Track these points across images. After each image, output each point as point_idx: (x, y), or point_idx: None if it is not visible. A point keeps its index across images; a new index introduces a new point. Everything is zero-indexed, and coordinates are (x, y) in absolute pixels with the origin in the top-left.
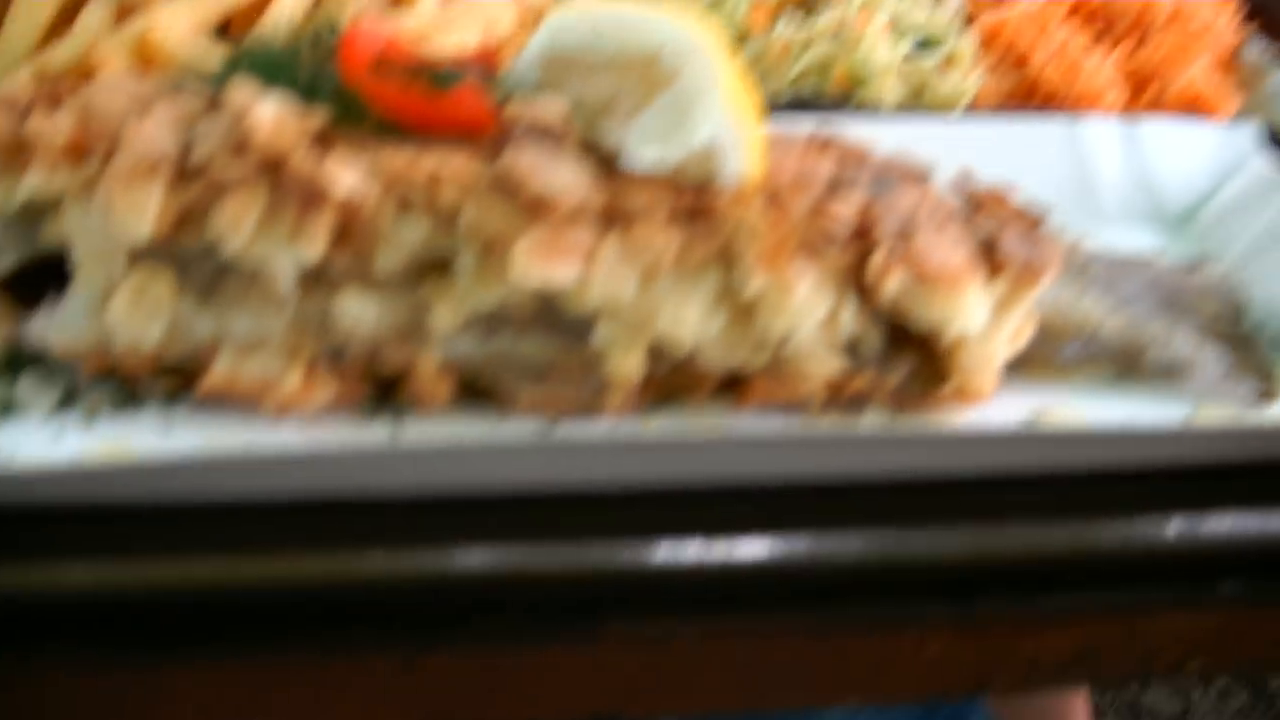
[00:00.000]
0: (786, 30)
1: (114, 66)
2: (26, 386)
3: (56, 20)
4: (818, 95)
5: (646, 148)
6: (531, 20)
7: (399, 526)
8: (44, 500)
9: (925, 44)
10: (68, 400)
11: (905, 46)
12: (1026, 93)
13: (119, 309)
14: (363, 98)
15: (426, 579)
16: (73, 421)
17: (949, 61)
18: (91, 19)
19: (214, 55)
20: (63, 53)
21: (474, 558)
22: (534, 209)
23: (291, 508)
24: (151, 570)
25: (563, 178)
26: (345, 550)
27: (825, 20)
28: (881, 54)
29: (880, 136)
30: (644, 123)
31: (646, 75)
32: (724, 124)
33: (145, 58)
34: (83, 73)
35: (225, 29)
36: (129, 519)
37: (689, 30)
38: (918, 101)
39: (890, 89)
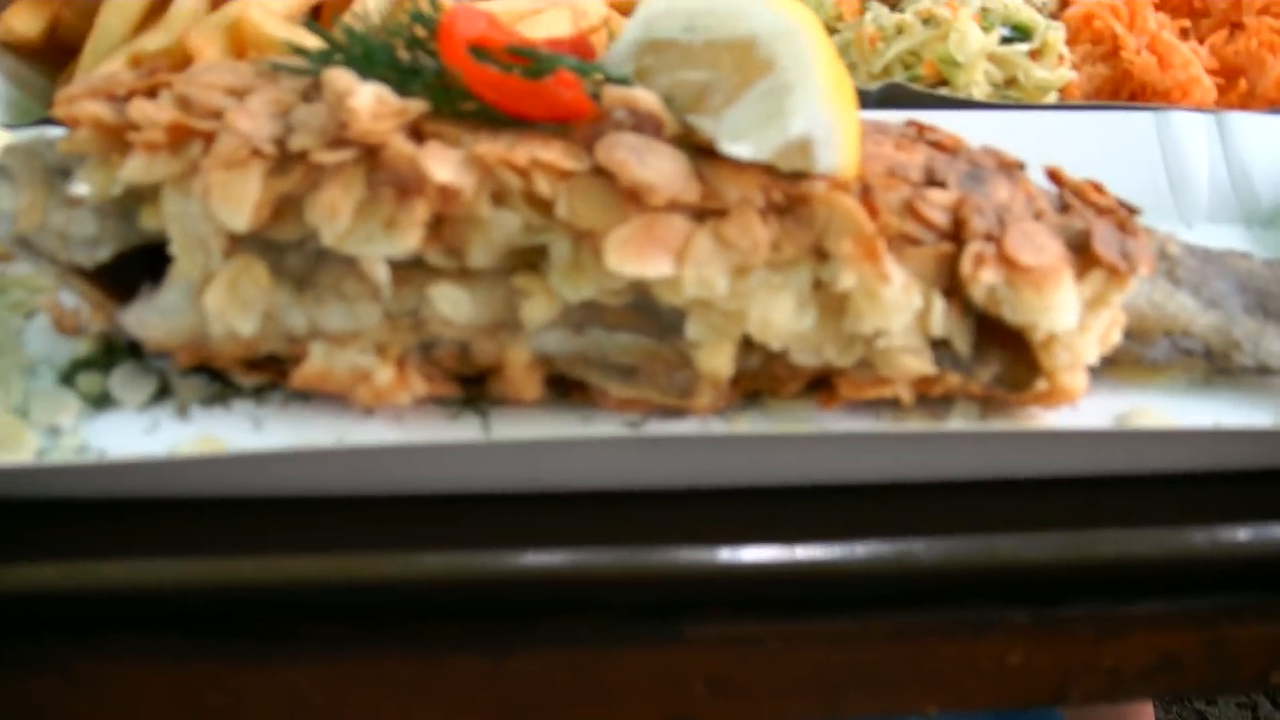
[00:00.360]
0: (876, 18)
1: (208, 52)
2: (120, 379)
3: (150, 7)
4: (908, 84)
5: (741, 140)
6: (622, 8)
7: (487, 524)
8: (138, 492)
9: (1015, 33)
10: (161, 394)
11: (995, 36)
12: (1116, 84)
13: (215, 299)
14: (463, 80)
15: (514, 577)
16: (166, 414)
17: (1039, 51)
18: (185, 6)
19: (306, 40)
20: (157, 39)
21: (560, 557)
22: (630, 199)
23: (381, 502)
24: (243, 565)
25: (659, 168)
26: (433, 547)
27: (915, 8)
28: (973, 43)
29: (969, 126)
30: (739, 113)
31: (741, 64)
32: (820, 116)
33: (238, 43)
34: (177, 59)
35: (316, 14)
36: (221, 511)
37: (786, 17)
38: (1007, 91)
39: (980, 79)
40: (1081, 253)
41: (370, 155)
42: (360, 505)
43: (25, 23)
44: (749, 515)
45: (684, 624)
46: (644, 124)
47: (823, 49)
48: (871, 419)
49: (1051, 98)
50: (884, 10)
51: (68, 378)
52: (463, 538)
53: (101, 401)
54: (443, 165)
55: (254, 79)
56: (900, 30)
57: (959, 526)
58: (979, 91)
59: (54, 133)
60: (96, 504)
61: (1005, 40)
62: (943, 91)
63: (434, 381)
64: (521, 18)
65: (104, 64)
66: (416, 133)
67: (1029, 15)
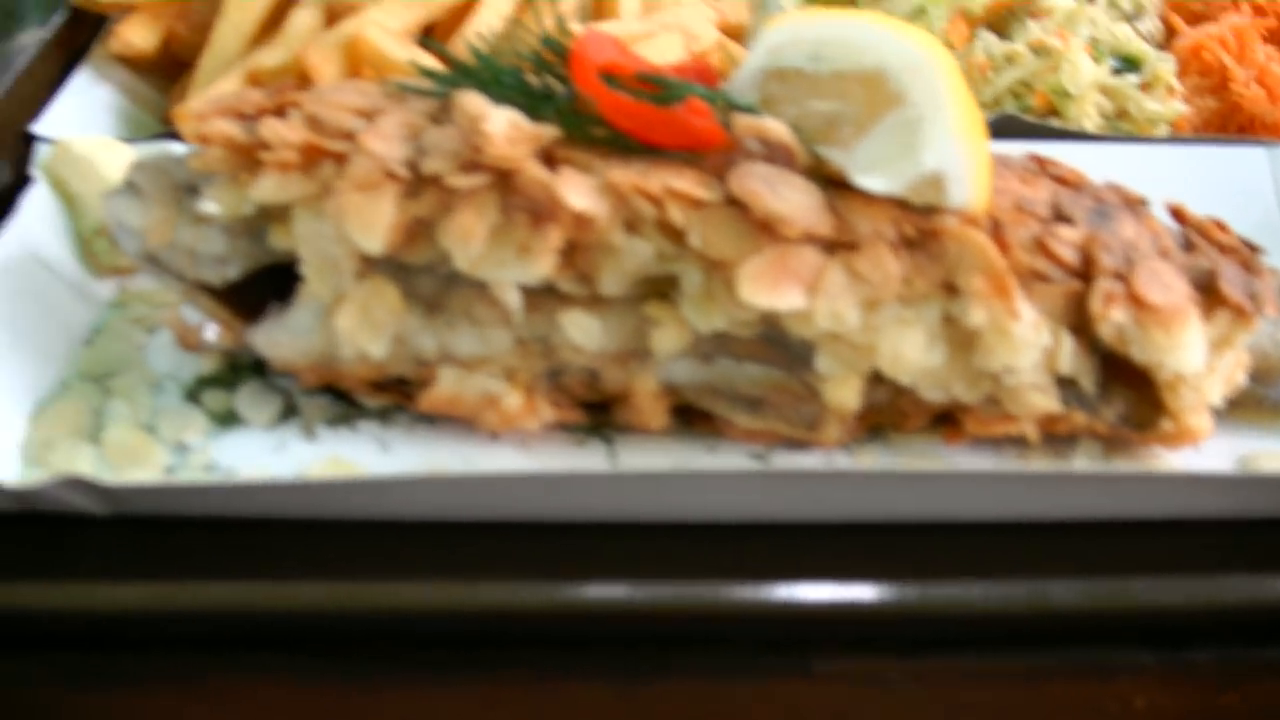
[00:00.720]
0: (986, 47)
1: (325, 70)
2: (246, 397)
3: (265, 22)
4: (1020, 115)
5: (873, 175)
6: (731, 33)
7: (612, 553)
8: (265, 512)
9: (1125, 65)
10: (286, 413)
11: (1107, 67)
12: (1225, 116)
13: (346, 321)
14: (596, 107)
15: (643, 609)
16: (293, 434)
17: (1149, 83)
18: (301, 23)
19: (427, 60)
20: (274, 55)
21: (689, 590)
22: (763, 230)
23: (506, 528)
24: (368, 591)
25: (793, 200)
26: (561, 576)
27: (1026, 38)
28: (1085, 75)
29: (1081, 158)
30: (870, 146)
31: (871, 95)
32: (953, 150)
33: (355, 61)
34: (293, 75)
35: (428, 32)
36: (345, 534)
37: (916, 49)
38: (1118, 123)
39: (1091, 110)
40: (1207, 292)
41: (503, 180)
42: (486, 530)
43: (140, 36)
44: (875, 550)
45: (811, 659)
46: (775, 154)
47: (954, 82)
48: (994, 455)
49: (1162, 130)
50: (993, 39)
51: (193, 395)
52: (590, 568)
53: (228, 420)
54: (578, 192)
55: (382, 100)
56: (1010, 59)
57: (1088, 567)
58: (1090, 123)
59: (177, 148)
60: (222, 522)
61: (1115, 72)
62: (1054, 123)
63: (561, 407)
64: (634, 41)
65: (220, 79)
66: (548, 158)
67: (1139, 47)
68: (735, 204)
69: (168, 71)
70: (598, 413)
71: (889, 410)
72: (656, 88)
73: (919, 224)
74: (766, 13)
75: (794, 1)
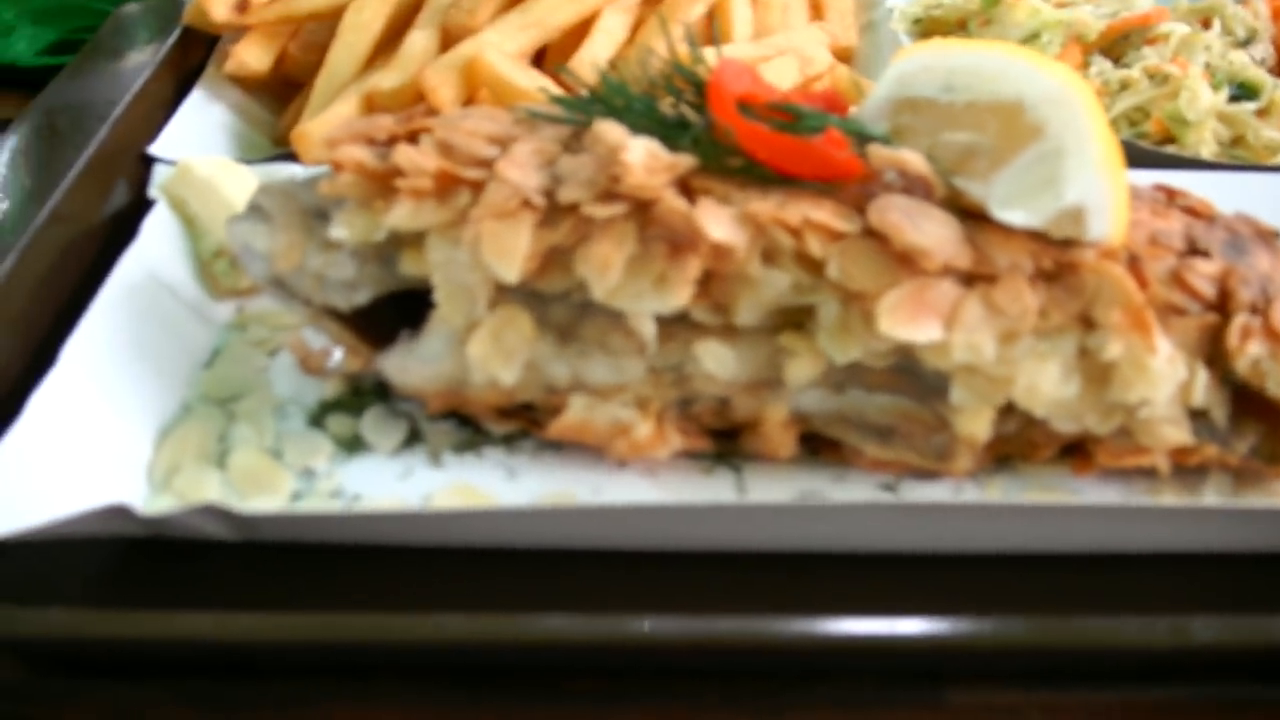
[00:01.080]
0: (1101, 73)
1: (442, 93)
2: (371, 423)
3: (379, 44)
4: (1138, 142)
5: (1013, 208)
6: (841, 55)
7: (747, 583)
8: (394, 539)
9: (1241, 91)
10: (412, 439)
11: (1224, 94)
12: None
13: (479, 348)
14: (733, 137)
15: (777, 641)
16: (419, 461)
17: (1266, 110)
18: (417, 45)
19: (540, 83)
20: (390, 78)
21: (821, 624)
22: (903, 263)
23: (637, 558)
24: (504, 622)
25: (932, 232)
26: (692, 607)
27: (1142, 64)
28: (1203, 102)
29: (1198, 186)
30: (1008, 179)
31: (1007, 127)
32: (1095, 184)
33: (472, 84)
34: (410, 97)
35: (540, 56)
36: (474, 562)
37: (1055, 81)
38: (1235, 151)
39: (1208, 138)
40: None
41: (641, 210)
42: (615, 560)
43: (255, 56)
44: (1009, 581)
45: (948, 690)
46: (913, 186)
47: (1095, 115)
48: (1123, 487)
49: None
50: (1108, 65)
51: (317, 419)
52: (721, 599)
53: (353, 445)
54: (717, 223)
55: (513, 126)
56: (1125, 86)
57: (1229, 602)
58: (1207, 150)
59: (295, 169)
60: (350, 548)
61: (1232, 98)
62: (1171, 150)
63: (689, 435)
64: (751, 65)
65: (335, 101)
66: (685, 188)
67: (1256, 73)
68: (874, 236)
69: (280, 91)
70: (724, 440)
71: (1019, 441)
72: (793, 117)
73: (1057, 257)
74: (877, 36)
75: (905, 26)
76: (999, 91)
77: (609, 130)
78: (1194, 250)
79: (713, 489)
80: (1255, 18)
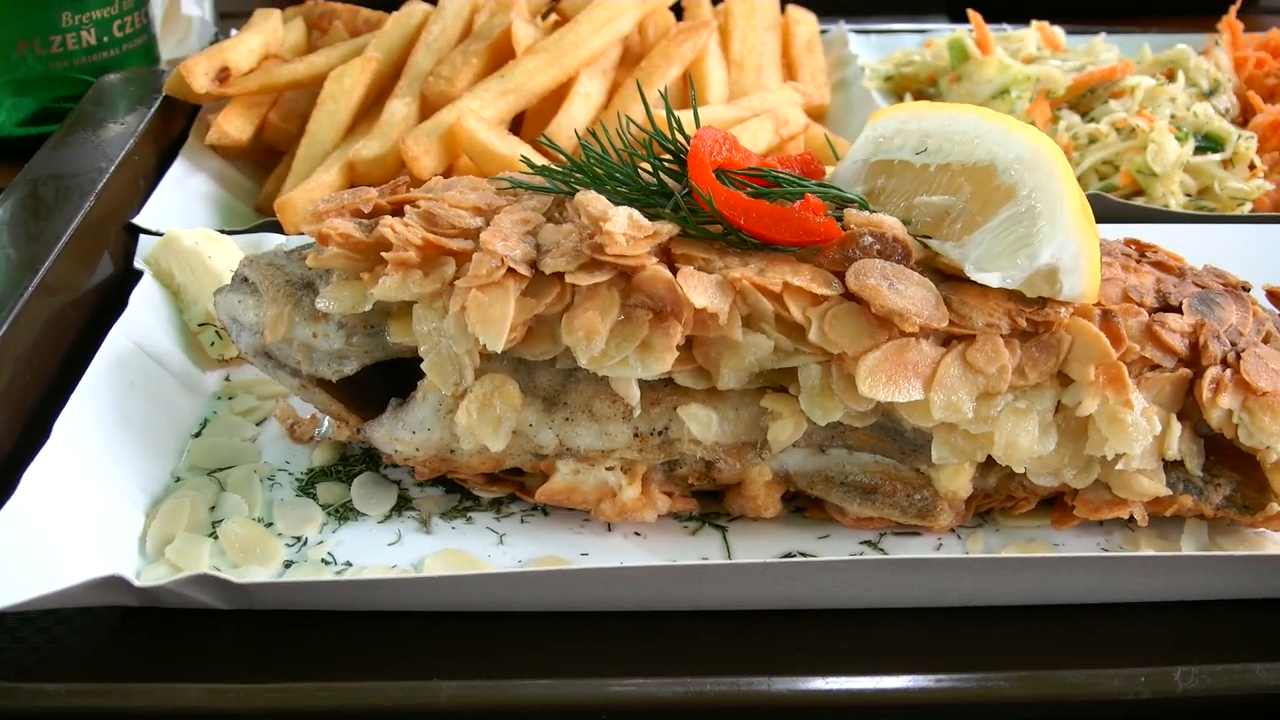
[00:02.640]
0: (1070, 127)
1: (424, 161)
2: (360, 490)
3: (359, 113)
4: (1107, 195)
5: (988, 270)
6: (814, 114)
7: (735, 642)
8: (386, 605)
9: (1207, 143)
10: (401, 505)
11: (1191, 146)
12: None
13: (467, 416)
14: (715, 206)
15: (767, 699)
16: (409, 527)
17: (1231, 161)
18: (397, 113)
19: (521, 150)
20: (372, 146)
21: (807, 682)
22: (882, 325)
23: (625, 618)
24: (500, 688)
25: (911, 295)
26: (681, 667)
27: (1110, 118)
28: (1170, 154)
29: (1167, 238)
30: (983, 240)
31: (981, 189)
32: (1068, 244)
33: (452, 150)
34: (391, 165)
35: (518, 121)
36: (468, 626)
37: (1027, 143)
38: (1201, 202)
39: (1176, 189)
40: None
41: (624, 278)
42: (605, 621)
43: (236, 126)
44: (992, 633)
45: None
46: (890, 249)
47: (1066, 176)
48: (1102, 537)
49: (1246, 208)
50: (1077, 119)
51: (306, 488)
52: (715, 660)
53: (343, 513)
54: (699, 290)
55: (495, 196)
56: (1093, 140)
57: (1211, 651)
58: (1174, 202)
59: (278, 239)
60: (346, 616)
61: (1198, 150)
62: (1139, 202)
63: (675, 498)
64: (726, 127)
65: (317, 170)
66: (667, 255)
67: (1220, 125)
68: (853, 299)
69: (261, 160)
70: (710, 500)
71: (999, 495)
72: (771, 184)
73: (1032, 316)
74: (850, 94)
75: (876, 83)
76: (972, 154)
77: (591, 200)
78: (1166, 305)
79: (699, 549)
80: (1218, 69)
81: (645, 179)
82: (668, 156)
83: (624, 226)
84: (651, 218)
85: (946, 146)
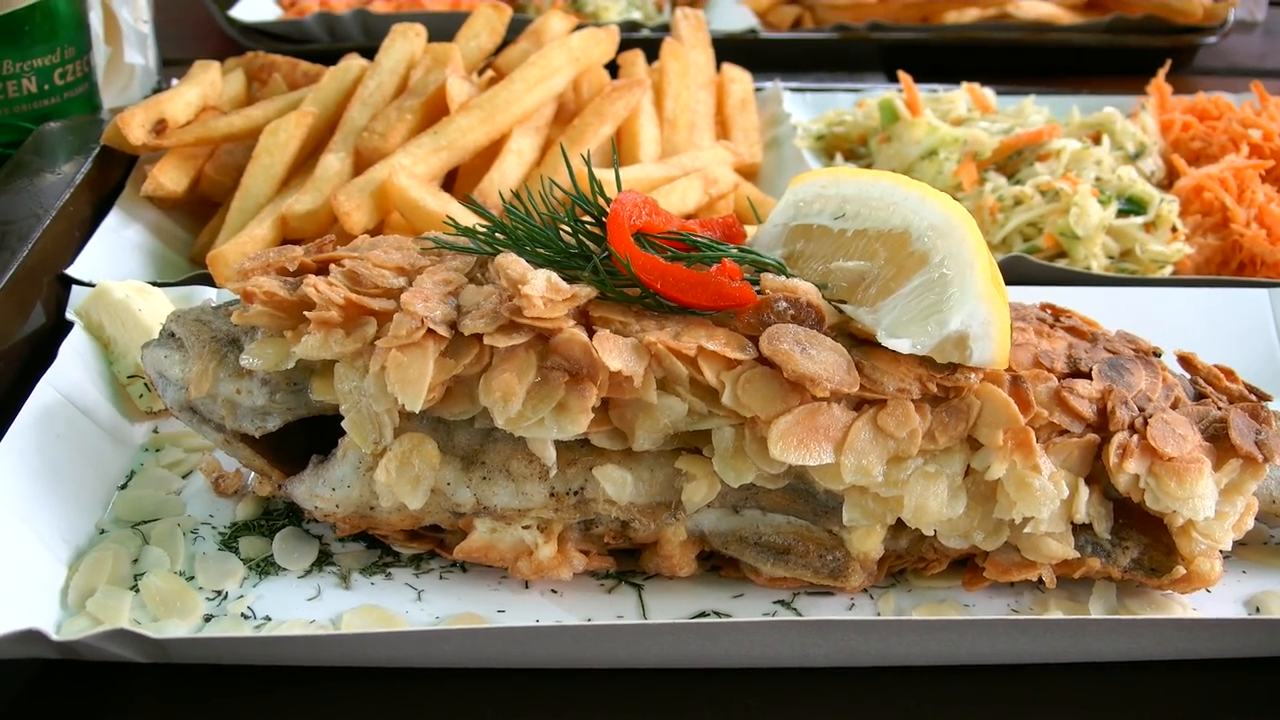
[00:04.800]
0: (996, 189)
1: (355, 216)
2: (281, 545)
3: (293, 166)
4: (1030, 257)
5: (900, 336)
6: (746, 173)
7: (649, 699)
8: (302, 661)
9: (1130, 206)
10: (322, 560)
11: (1113, 209)
12: (1226, 254)
13: (386, 475)
14: (632, 270)
15: None
16: (329, 583)
17: (1153, 224)
18: (330, 168)
19: (451, 207)
20: (304, 201)
21: None
22: (794, 389)
23: (540, 675)
24: None
25: (822, 360)
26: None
27: (1035, 181)
28: (1093, 217)
29: (1089, 300)
30: (896, 306)
31: (895, 255)
32: (977, 312)
33: (383, 206)
34: (323, 220)
35: (451, 177)
36: (382, 682)
37: (940, 211)
38: (1124, 264)
39: (1098, 251)
40: (1218, 441)
41: (542, 340)
42: (520, 678)
43: (172, 179)
44: (900, 692)
45: None
46: (804, 314)
47: (978, 243)
48: (1012, 598)
49: (1167, 271)
50: (1003, 181)
51: (229, 542)
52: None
53: (264, 567)
54: (615, 353)
55: (419, 257)
56: (1018, 201)
57: (1110, 710)
58: (1097, 264)
59: (209, 292)
60: (264, 670)
61: (1121, 213)
62: (1062, 264)
63: (591, 556)
64: (656, 185)
65: (250, 224)
66: (584, 318)
67: (1144, 189)
68: (767, 363)
69: (197, 211)
70: (626, 558)
71: (910, 557)
72: (689, 248)
73: (943, 381)
74: (781, 153)
75: (808, 142)
76: (888, 220)
77: (511, 262)
78: (1076, 371)
79: (615, 607)
80: (1144, 132)
81: (567, 240)
82: (589, 219)
83: (542, 289)
84: (571, 280)
85: (864, 212)
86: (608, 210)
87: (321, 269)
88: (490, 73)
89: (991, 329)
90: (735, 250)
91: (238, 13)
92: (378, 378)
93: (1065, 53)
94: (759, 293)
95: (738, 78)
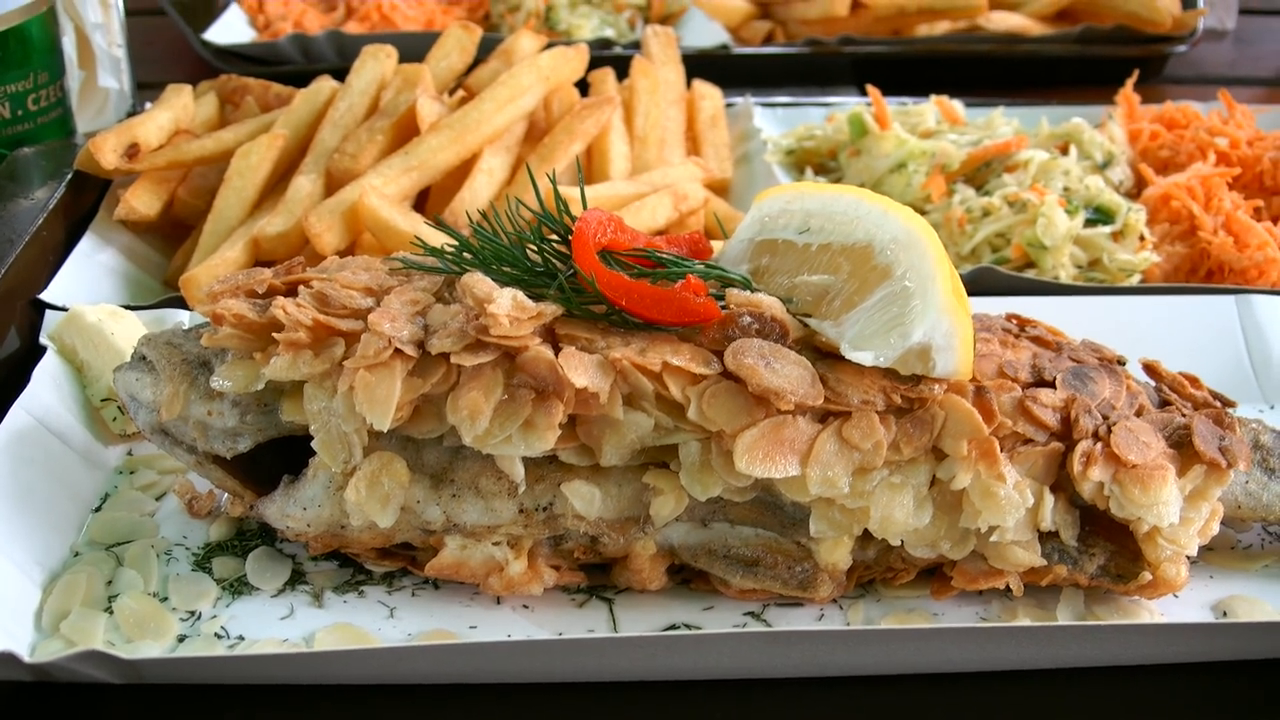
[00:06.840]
0: (964, 200)
1: (327, 238)
2: (254, 565)
3: (265, 189)
4: (997, 268)
5: (863, 348)
6: (717, 188)
7: (620, 713)
8: (277, 679)
9: (1098, 215)
10: (295, 579)
11: (1080, 219)
12: (1194, 263)
13: (356, 494)
14: (597, 288)
15: None
16: (301, 601)
17: (1121, 233)
18: (302, 189)
19: (421, 228)
20: (276, 223)
21: None
22: (759, 403)
23: (512, 690)
24: None
25: (786, 374)
26: None
27: (1002, 192)
28: (1059, 227)
29: (1056, 309)
30: (859, 319)
31: (858, 269)
32: (940, 324)
33: (355, 227)
34: (295, 242)
35: (423, 197)
36: (357, 700)
37: (903, 224)
38: (1092, 273)
39: (1066, 261)
40: (1182, 448)
41: (508, 358)
42: (491, 693)
43: (145, 203)
44: (871, 701)
45: None
46: (768, 329)
47: (939, 256)
48: (981, 606)
49: (1134, 279)
50: (971, 193)
51: (203, 562)
52: None
53: (238, 587)
54: (580, 370)
55: (387, 277)
56: (987, 213)
57: (1086, 717)
58: (1065, 274)
59: (181, 315)
60: (238, 690)
61: (1089, 222)
62: (1030, 274)
63: (561, 571)
64: (626, 202)
65: (223, 246)
66: (550, 335)
67: (1111, 198)
68: (731, 378)
69: (170, 234)
70: (597, 572)
71: (879, 567)
72: (654, 264)
73: (906, 393)
74: (752, 168)
75: (778, 157)
76: (851, 234)
77: (477, 282)
78: (1040, 380)
79: (586, 621)
80: (1112, 141)
81: (533, 259)
82: (556, 237)
83: (508, 308)
84: (537, 298)
85: (828, 226)
86: (573, 229)
87: (290, 290)
88: (461, 93)
89: (954, 340)
90: (701, 266)
91: (212, 35)
92: (346, 397)
93: (1036, 64)
94: (724, 308)
95: (708, 94)
